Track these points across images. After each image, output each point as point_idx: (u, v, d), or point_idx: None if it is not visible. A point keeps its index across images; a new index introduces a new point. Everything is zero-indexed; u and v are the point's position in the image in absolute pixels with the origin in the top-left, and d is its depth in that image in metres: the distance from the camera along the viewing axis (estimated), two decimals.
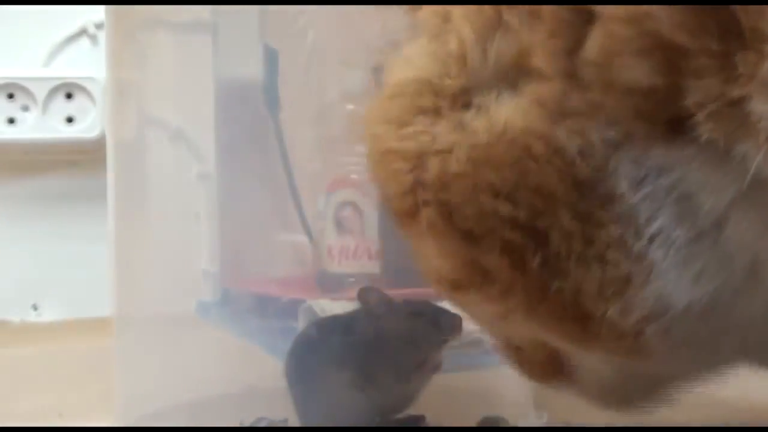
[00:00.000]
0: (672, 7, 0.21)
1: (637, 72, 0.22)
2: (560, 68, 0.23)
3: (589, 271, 0.24)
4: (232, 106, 0.54)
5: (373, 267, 0.63)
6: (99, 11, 1.14)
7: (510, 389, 0.48)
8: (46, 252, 1.15)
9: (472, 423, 0.42)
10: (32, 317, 1.15)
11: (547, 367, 0.31)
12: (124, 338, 0.50)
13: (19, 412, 0.54)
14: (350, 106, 0.59)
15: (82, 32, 1.15)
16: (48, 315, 1.15)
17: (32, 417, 0.53)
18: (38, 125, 1.10)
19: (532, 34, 0.24)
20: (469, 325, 0.51)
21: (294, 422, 0.42)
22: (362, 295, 0.42)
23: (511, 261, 0.25)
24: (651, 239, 0.23)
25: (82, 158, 1.15)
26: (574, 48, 0.23)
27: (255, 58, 0.56)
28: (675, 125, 0.22)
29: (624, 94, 0.22)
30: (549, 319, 0.26)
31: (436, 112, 0.26)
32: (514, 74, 0.25)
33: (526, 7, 0.24)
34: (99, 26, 1.14)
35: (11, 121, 1.10)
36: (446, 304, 0.42)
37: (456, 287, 0.28)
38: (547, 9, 0.24)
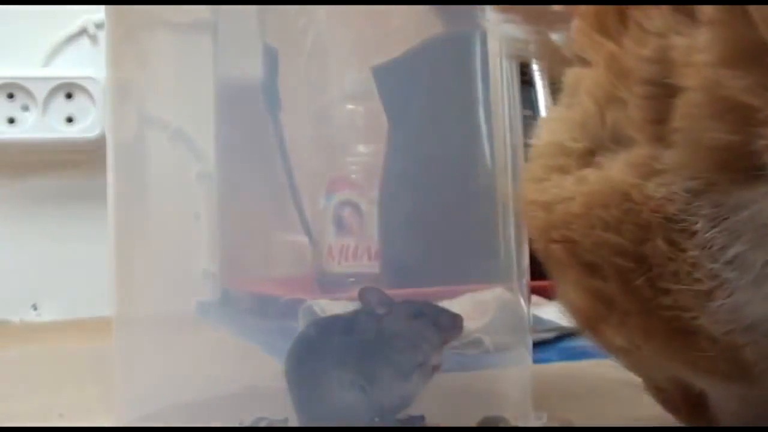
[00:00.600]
0: (738, 72, 0.26)
1: (715, 132, 0.27)
2: (648, 136, 0.29)
3: (683, 287, 0.30)
4: (232, 106, 0.54)
5: (373, 267, 0.63)
6: (99, 11, 1.14)
7: (510, 389, 0.48)
8: (45, 252, 1.15)
9: (472, 423, 0.42)
10: (32, 317, 1.15)
11: (690, 407, 0.37)
12: (124, 338, 0.50)
13: (19, 412, 0.54)
14: (350, 106, 0.59)
15: (82, 32, 1.15)
16: (48, 315, 1.15)
17: (32, 417, 0.53)
18: (38, 125, 1.11)
19: (631, 107, 0.30)
20: (470, 325, 0.52)
21: (294, 422, 0.42)
22: (363, 295, 0.42)
23: (622, 283, 0.31)
24: (727, 263, 0.29)
25: (82, 158, 1.15)
26: (661, 118, 0.29)
27: (255, 58, 0.56)
28: (749, 168, 0.27)
29: (705, 151, 0.28)
30: (661, 337, 0.31)
31: (565, 170, 0.33)
32: (620, 143, 0.31)
33: (630, 80, 0.30)
34: (99, 26, 1.14)
35: (11, 121, 1.10)
36: (448, 305, 0.43)
37: (587, 320, 0.33)
38: (637, 88, 0.29)
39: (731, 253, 0.29)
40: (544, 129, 0.35)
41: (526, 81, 0.97)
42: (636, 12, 0.30)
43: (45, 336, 1.02)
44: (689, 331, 0.30)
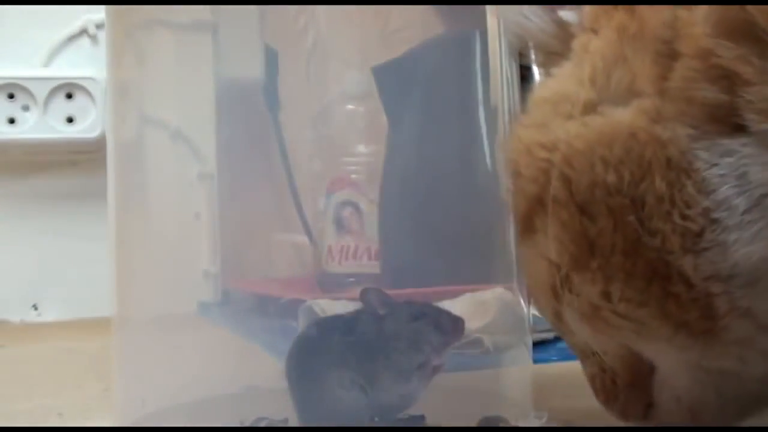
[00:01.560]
0: (728, 44, 0.31)
1: (708, 92, 0.32)
2: (656, 89, 0.33)
3: (674, 227, 0.32)
4: (232, 106, 0.54)
5: (373, 267, 0.63)
6: (99, 11, 1.14)
7: (510, 389, 0.48)
8: (46, 252, 1.15)
9: (472, 423, 0.42)
10: (32, 317, 1.15)
11: (630, 390, 0.38)
12: (125, 338, 0.50)
13: (19, 411, 0.54)
14: (350, 106, 0.59)
15: (83, 32, 1.15)
16: (48, 315, 1.15)
17: (32, 416, 0.53)
18: (38, 125, 1.11)
19: (640, 65, 0.34)
20: (470, 325, 0.52)
21: (294, 422, 0.42)
22: (364, 295, 0.42)
23: (614, 222, 0.33)
24: (718, 204, 0.32)
25: (82, 158, 1.15)
26: (666, 75, 0.33)
27: (255, 58, 0.56)
28: (733, 122, 0.31)
29: (699, 106, 0.32)
30: (640, 279, 0.33)
31: (569, 116, 0.35)
32: (626, 95, 0.34)
33: (639, 43, 0.34)
34: (99, 26, 1.14)
35: (12, 121, 1.10)
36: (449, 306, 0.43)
37: (570, 266, 0.35)
38: (651, 47, 0.33)
39: (721, 194, 0.32)
40: (551, 81, 0.38)
41: (525, 80, 0.97)
42: None
43: (45, 336, 1.02)
44: (669, 274, 0.33)
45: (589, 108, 0.35)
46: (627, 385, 0.38)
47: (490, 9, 0.48)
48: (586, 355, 0.40)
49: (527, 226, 0.37)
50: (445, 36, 0.58)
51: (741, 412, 0.37)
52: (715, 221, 0.32)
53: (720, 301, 0.32)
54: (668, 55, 0.33)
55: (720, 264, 0.32)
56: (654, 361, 0.37)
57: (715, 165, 0.32)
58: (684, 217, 0.32)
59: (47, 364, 0.79)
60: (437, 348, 0.41)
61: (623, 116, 0.34)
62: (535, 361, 0.49)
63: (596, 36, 0.36)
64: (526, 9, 0.39)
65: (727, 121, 0.31)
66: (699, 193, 0.32)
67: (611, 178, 0.33)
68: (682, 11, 0.32)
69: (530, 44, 0.40)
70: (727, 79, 0.31)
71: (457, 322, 0.40)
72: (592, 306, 0.35)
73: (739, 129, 0.31)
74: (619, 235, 0.33)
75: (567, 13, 0.38)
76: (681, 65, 0.32)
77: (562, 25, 0.39)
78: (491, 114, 0.51)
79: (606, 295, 0.34)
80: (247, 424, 0.42)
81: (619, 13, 0.35)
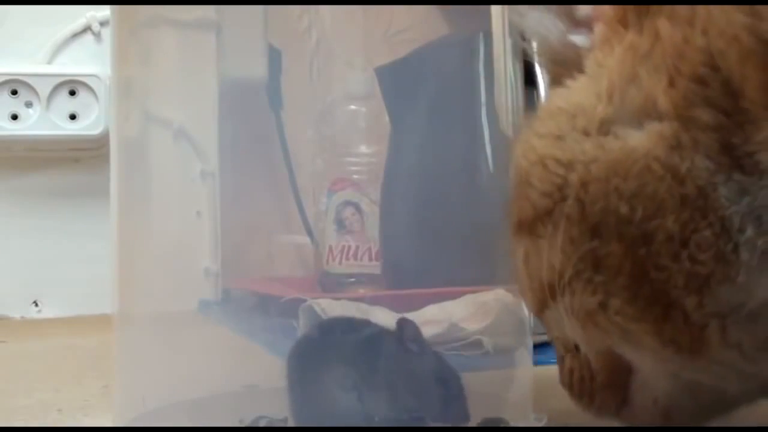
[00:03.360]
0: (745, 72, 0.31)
1: (709, 117, 0.31)
2: (674, 113, 0.32)
3: (681, 268, 0.32)
4: (235, 105, 0.54)
5: (373, 267, 0.63)
6: (103, 9, 1.14)
7: (510, 391, 0.48)
8: (47, 249, 1.15)
9: (472, 424, 0.42)
10: (33, 314, 1.15)
11: (606, 388, 0.38)
12: (125, 336, 0.50)
13: (19, 407, 0.54)
14: (353, 107, 0.59)
15: (86, 29, 1.15)
16: (49, 311, 1.15)
17: (31, 412, 0.53)
18: (41, 122, 1.11)
19: (656, 84, 0.33)
20: (470, 327, 0.52)
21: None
22: (400, 325, 0.42)
23: (624, 249, 0.33)
24: (739, 245, 0.31)
25: (85, 155, 1.15)
26: (682, 98, 0.32)
27: (259, 58, 0.56)
28: (748, 160, 0.31)
29: (708, 132, 0.31)
30: (643, 303, 0.33)
31: (586, 132, 0.35)
32: (641, 115, 0.34)
33: (652, 63, 0.33)
34: (103, 23, 1.15)
35: (14, 117, 1.10)
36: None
37: (573, 276, 0.35)
38: (665, 68, 0.33)
39: (746, 235, 0.31)
40: (567, 92, 0.37)
41: (529, 83, 0.97)
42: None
43: (45, 332, 1.02)
44: (670, 304, 0.33)
45: (606, 126, 0.35)
46: (604, 382, 0.39)
47: (495, 10, 0.48)
48: (567, 349, 0.40)
49: (531, 230, 0.37)
50: (449, 37, 0.58)
51: (712, 416, 0.39)
52: (732, 264, 0.32)
53: (713, 332, 0.33)
54: (677, 71, 0.33)
55: (725, 302, 0.32)
56: (636, 365, 0.38)
57: (736, 202, 0.31)
58: (693, 260, 0.32)
59: (47, 360, 0.79)
60: (444, 401, 0.41)
61: (640, 141, 0.33)
62: (536, 363, 0.49)
63: (609, 54, 0.36)
64: (546, 19, 0.39)
65: (740, 154, 0.31)
66: (716, 236, 0.31)
67: (624, 209, 0.33)
68: (689, 30, 0.32)
69: (544, 53, 0.40)
70: (732, 108, 0.31)
71: (464, 417, 0.41)
72: (587, 311, 0.35)
73: (752, 164, 0.31)
74: (627, 261, 0.33)
75: (578, 37, 0.38)
76: (683, 80, 0.32)
77: (575, 47, 0.39)
78: (493, 115, 0.51)
79: (603, 306, 0.35)
80: (246, 422, 0.42)
81: (630, 33, 0.35)
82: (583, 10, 0.38)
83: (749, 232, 0.31)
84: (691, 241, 0.32)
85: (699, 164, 0.32)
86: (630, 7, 0.35)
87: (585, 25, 0.38)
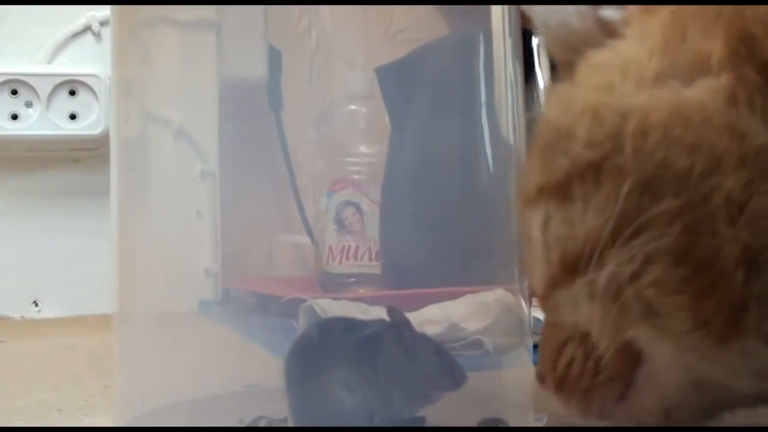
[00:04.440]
0: None
1: (759, 79, 0.30)
2: (730, 70, 0.31)
3: (737, 235, 0.30)
4: (235, 105, 0.54)
5: (373, 267, 0.63)
6: (103, 8, 1.14)
7: (510, 391, 0.48)
8: (47, 248, 1.15)
9: (472, 424, 0.42)
10: (33, 313, 1.15)
11: (612, 386, 0.36)
12: (125, 335, 0.50)
13: (19, 407, 0.54)
14: (353, 107, 0.59)
15: (86, 29, 1.15)
16: (48, 311, 1.15)
17: (31, 412, 0.53)
18: (41, 121, 1.11)
19: (709, 43, 0.32)
20: (470, 327, 0.52)
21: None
22: (392, 315, 0.42)
23: (678, 206, 0.31)
24: None
25: (85, 155, 1.15)
26: (739, 57, 0.31)
27: (259, 58, 0.56)
28: None
29: (763, 93, 0.30)
30: (687, 270, 0.31)
31: (640, 84, 0.33)
32: (695, 71, 0.32)
33: (701, 22, 0.33)
34: (103, 23, 1.15)
35: (14, 117, 1.10)
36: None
37: (609, 241, 0.33)
38: (721, 27, 0.32)
39: None
40: (614, 49, 0.35)
41: (529, 82, 0.97)
42: None
43: (45, 332, 1.02)
44: (718, 276, 0.31)
45: (661, 79, 0.33)
46: (608, 374, 0.36)
47: (495, 10, 0.48)
48: (572, 336, 0.37)
49: (561, 192, 0.35)
50: (449, 37, 0.58)
51: (709, 419, 0.38)
52: None
53: (752, 317, 0.31)
54: (731, 33, 0.32)
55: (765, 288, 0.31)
56: (650, 355, 0.35)
57: None
58: (751, 228, 0.30)
59: (47, 360, 0.79)
60: (444, 370, 0.41)
61: (696, 94, 0.32)
62: (536, 364, 0.49)
63: (654, 16, 0.35)
64: (570, 10, 0.38)
65: None
66: None
67: (683, 162, 0.31)
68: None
69: (559, 38, 0.38)
70: None
71: (465, 377, 0.41)
72: (616, 286, 0.33)
73: None
74: (679, 221, 0.31)
75: (608, 12, 0.37)
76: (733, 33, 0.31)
77: (604, 23, 0.37)
78: (494, 115, 0.51)
79: (637, 276, 0.32)
80: (246, 422, 0.42)
81: (664, 9, 0.34)
82: None
83: None
84: (749, 206, 0.30)
85: (755, 126, 0.30)
86: None
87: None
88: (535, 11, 0.38)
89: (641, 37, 0.35)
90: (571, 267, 0.34)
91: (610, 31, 0.36)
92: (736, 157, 0.30)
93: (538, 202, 0.36)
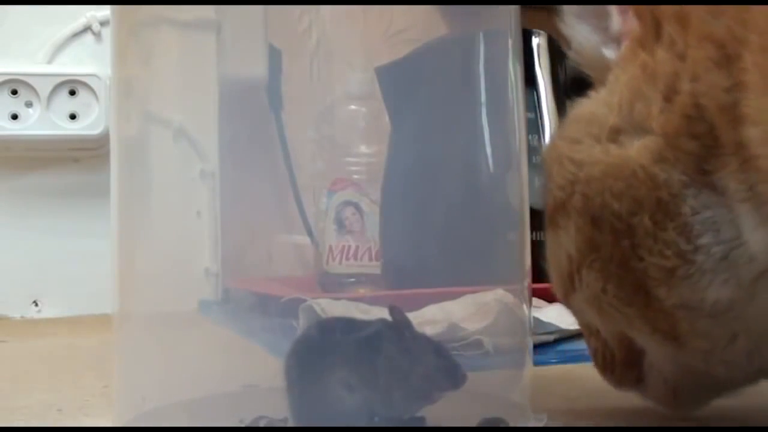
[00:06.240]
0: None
1: (692, 147, 0.37)
2: (661, 131, 0.38)
3: (653, 260, 0.38)
4: (235, 105, 0.54)
5: (373, 267, 0.63)
6: (103, 8, 1.14)
7: (510, 391, 0.48)
8: (47, 248, 1.15)
9: (471, 424, 0.42)
10: (33, 313, 1.15)
11: (624, 366, 0.44)
12: (125, 335, 0.50)
13: (19, 407, 0.54)
14: (353, 107, 0.59)
15: (86, 29, 1.15)
16: (48, 311, 1.15)
17: (31, 412, 0.53)
18: (41, 121, 1.11)
19: (653, 104, 0.39)
20: (470, 327, 0.52)
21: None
22: (394, 314, 0.42)
23: (613, 239, 0.39)
24: (698, 248, 0.37)
25: (85, 155, 1.15)
26: (668, 120, 0.38)
27: (259, 58, 0.56)
28: (717, 183, 0.37)
29: (690, 156, 0.37)
30: (628, 289, 0.40)
31: (597, 139, 0.41)
32: (641, 129, 0.39)
33: (653, 83, 0.39)
34: (103, 23, 1.15)
35: (14, 117, 1.10)
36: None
37: (580, 262, 0.41)
38: (659, 90, 0.38)
39: (703, 240, 0.37)
40: (588, 102, 0.43)
41: (529, 83, 0.97)
42: (669, 28, 0.39)
43: (45, 332, 1.02)
44: (649, 292, 0.39)
45: (614, 134, 0.40)
46: (622, 361, 0.44)
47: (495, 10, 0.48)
48: (591, 332, 0.46)
49: (553, 222, 0.43)
50: (449, 37, 0.58)
51: (717, 396, 0.44)
52: (691, 262, 0.37)
53: (683, 321, 0.39)
54: (669, 100, 0.38)
55: (688, 297, 0.38)
56: (644, 347, 0.43)
57: (698, 213, 0.37)
58: (662, 254, 0.38)
59: (47, 360, 0.79)
60: (445, 370, 0.41)
61: (635, 151, 0.39)
62: (535, 364, 0.49)
63: (626, 70, 0.41)
64: (587, 31, 0.44)
65: (708, 172, 0.37)
66: (679, 236, 0.37)
67: (615, 205, 0.39)
68: (680, 63, 0.38)
69: (585, 62, 0.45)
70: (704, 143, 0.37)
71: (465, 377, 0.41)
72: (595, 296, 0.41)
73: (713, 184, 0.37)
74: (617, 250, 0.39)
75: (608, 51, 0.43)
76: (674, 115, 0.37)
77: (605, 58, 0.44)
78: (494, 115, 0.51)
79: (604, 291, 0.41)
80: (246, 422, 0.42)
81: (644, 53, 0.40)
82: (616, 25, 0.43)
83: (706, 239, 0.37)
84: (660, 237, 0.38)
85: (675, 177, 0.37)
86: (649, 29, 0.40)
87: (615, 41, 0.43)
88: (574, 34, 0.45)
89: (610, 91, 0.41)
90: (568, 282, 0.42)
91: (605, 70, 0.43)
92: (653, 200, 0.38)
93: (548, 228, 0.44)
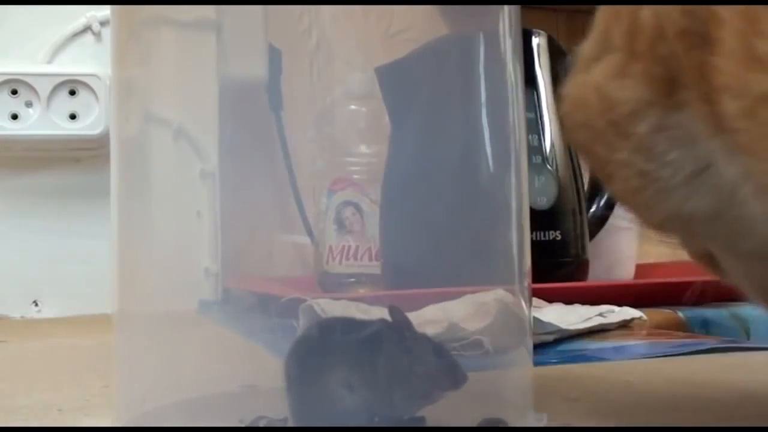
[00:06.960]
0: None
1: (657, 69, 0.36)
2: (626, 47, 0.37)
3: (618, 186, 0.39)
4: (235, 105, 0.54)
5: (373, 267, 0.63)
6: (103, 8, 1.14)
7: (510, 391, 0.48)
8: (47, 248, 1.15)
9: (472, 424, 0.42)
10: (33, 313, 1.15)
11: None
12: (125, 335, 0.50)
13: (19, 407, 0.54)
14: (353, 107, 0.59)
15: (86, 29, 1.15)
16: (49, 311, 1.15)
17: (31, 412, 0.53)
18: (41, 121, 1.11)
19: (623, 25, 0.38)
20: (470, 327, 0.52)
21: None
22: (394, 314, 0.42)
23: (597, 170, 0.40)
24: (663, 165, 0.36)
25: (85, 155, 1.15)
26: (635, 37, 0.37)
27: (259, 58, 0.56)
28: (679, 99, 0.35)
29: (656, 82, 0.36)
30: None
31: (577, 71, 0.41)
32: (611, 49, 0.38)
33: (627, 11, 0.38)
34: (103, 23, 1.15)
35: (14, 116, 1.10)
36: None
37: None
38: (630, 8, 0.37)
39: (670, 157, 0.36)
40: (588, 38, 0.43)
41: (529, 83, 0.97)
42: None
43: (45, 332, 1.02)
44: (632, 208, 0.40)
45: (588, 65, 0.40)
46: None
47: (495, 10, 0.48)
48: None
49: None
50: (449, 37, 0.58)
51: None
52: (657, 179, 0.37)
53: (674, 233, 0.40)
54: (636, 19, 0.37)
55: (669, 213, 0.38)
56: None
57: (665, 131, 0.36)
58: (621, 176, 0.38)
59: (47, 360, 0.79)
60: (443, 389, 0.42)
61: (596, 72, 0.38)
62: (535, 364, 0.49)
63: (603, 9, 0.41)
64: None
65: (674, 94, 0.36)
66: (637, 156, 0.37)
67: (578, 137, 0.40)
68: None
69: None
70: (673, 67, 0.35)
71: (465, 377, 0.41)
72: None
73: (682, 102, 0.36)
74: (601, 174, 0.40)
75: None
76: (645, 34, 0.36)
77: None
78: (494, 115, 0.51)
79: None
80: (246, 422, 0.42)
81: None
82: None
83: (675, 154, 0.36)
84: (617, 159, 0.38)
85: (637, 94, 0.36)
86: None
87: None
88: None
89: (594, 28, 0.41)
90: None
91: None
92: (603, 125, 0.38)
93: None
